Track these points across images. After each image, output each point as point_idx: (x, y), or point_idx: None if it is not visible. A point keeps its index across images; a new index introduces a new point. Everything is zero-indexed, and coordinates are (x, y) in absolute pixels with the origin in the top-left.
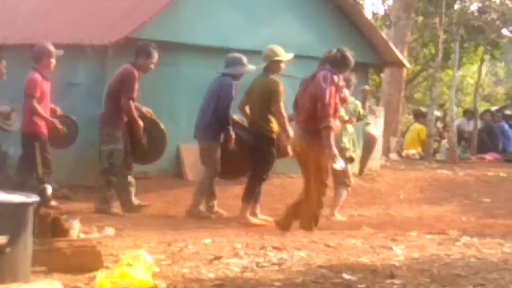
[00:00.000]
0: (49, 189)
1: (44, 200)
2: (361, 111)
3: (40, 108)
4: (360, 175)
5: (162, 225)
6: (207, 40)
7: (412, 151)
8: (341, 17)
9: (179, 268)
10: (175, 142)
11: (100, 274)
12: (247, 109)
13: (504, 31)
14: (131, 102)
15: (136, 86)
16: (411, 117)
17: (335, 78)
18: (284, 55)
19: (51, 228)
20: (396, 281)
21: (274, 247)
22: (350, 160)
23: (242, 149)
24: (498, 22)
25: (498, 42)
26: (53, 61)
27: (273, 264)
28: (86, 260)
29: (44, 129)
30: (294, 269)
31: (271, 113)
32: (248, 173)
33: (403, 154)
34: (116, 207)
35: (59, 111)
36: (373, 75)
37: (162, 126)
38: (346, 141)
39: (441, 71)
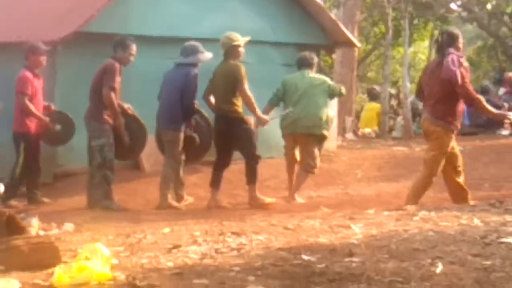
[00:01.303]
0: (0, 188)
1: None
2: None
3: (32, 106)
4: (294, 162)
5: (121, 217)
6: (157, 30)
7: (367, 130)
8: (289, 0)
9: (138, 259)
10: None
11: (58, 270)
12: (211, 98)
13: (453, 6)
14: (112, 94)
15: (117, 78)
16: (365, 96)
17: (462, 60)
18: (240, 39)
19: (7, 227)
20: (354, 259)
21: (233, 233)
22: (322, 138)
23: (199, 136)
24: None
25: (447, 17)
26: (42, 58)
27: (232, 249)
28: (44, 257)
29: (33, 130)
30: (253, 253)
31: (234, 97)
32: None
33: (359, 133)
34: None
35: (53, 107)
36: (325, 56)
37: (143, 123)
38: None
39: (392, 49)
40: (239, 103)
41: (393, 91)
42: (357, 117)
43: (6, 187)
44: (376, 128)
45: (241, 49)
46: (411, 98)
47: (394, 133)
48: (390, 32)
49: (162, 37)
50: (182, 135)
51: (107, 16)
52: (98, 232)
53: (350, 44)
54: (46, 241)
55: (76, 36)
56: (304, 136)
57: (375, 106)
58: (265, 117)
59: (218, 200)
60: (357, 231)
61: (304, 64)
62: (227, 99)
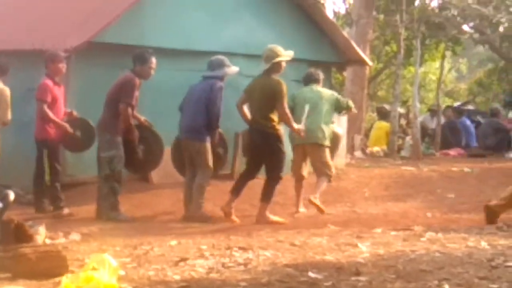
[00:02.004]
0: (11, 195)
1: (6, 206)
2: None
3: (50, 113)
4: (302, 174)
5: (128, 228)
6: (170, 42)
7: (376, 149)
8: (303, 16)
9: (145, 271)
10: None
11: (65, 279)
12: (245, 107)
13: (465, 27)
14: (128, 110)
15: (136, 93)
16: (374, 114)
17: None
18: (285, 54)
19: (15, 234)
20: (361, 278)
21: (240, 247)
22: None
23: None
24: (458, 18)
25: (459, 38)
26: (61, 66)
27: (239, 264)
28: (51, 265)
29: (54, 136)
30: (260, 269)
31: (272, 112)
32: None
33: (368, 151)
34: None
35: (75, 113)
36: (336, 73)
37: (160, 136)
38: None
39: (403, 68)
40: (276, 119)
41: (402, 110)
42: (366, 135)
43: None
44: (384, 147)
45: (284, 64)
46: (421, 118)
47: (403, 153)
48: (402, 51)
49: (176, 49)
50: (208, 145)
51: (121, 27)
52: (105, 243)
53: (362, 63)
54: (53, 250)
55: (90, 45)
56: (315, 146)
57: (384, 125)
58: (300, 126)
59: (231, 208)
60: (364, 250)
61: (311, 80)
62: (265, 114)
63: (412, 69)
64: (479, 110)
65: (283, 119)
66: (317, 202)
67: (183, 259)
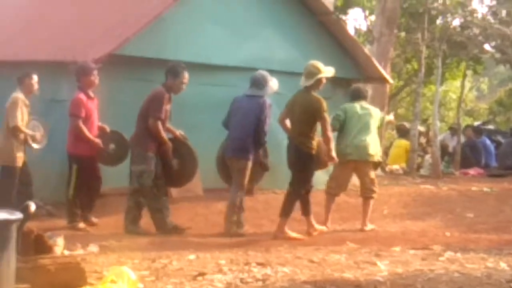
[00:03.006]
0: (32, 207)
1: (27, 218)
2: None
3: (85, 129)
4: (344, 190)
5: (147, 241)
6: (190, 56)
7: (396, 166)
8: (324, 33)
9: (163, 284)
10: None
11: None
12: (287, 122)
13: (486, 47)
14: (158, 123)
15: (166, 107)
16: (394, 132)
17: None
18: (327, 71)
19: (35, 245)
20: None
21: (258, 263)
22: (377, 164)
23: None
24: (480, 38)
25: (480, 58)
26: (93, 78)
27: (257, 280)
28: (70, 277)
29: (86, 152)
30: (278, 285)
31: (311, 130)
32: None
33: (387, 169)
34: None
35: (108, 129)
36: None
37: (195, 150)
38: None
39: (424, 87)
40: (313, 136)
41: (422, 128)
42: (386, 153)
43: (67, 209)
44: (404, 165)
45: (324, 80)
46: (441, 136)
47: (422, 171)
48: (423, 69)
49: (195, 63)
50: (250, 164)
51: (142, 40)
52: (124, 255)
53: (382, 80)
54: (72, 262)
55: (110, 58)
56: (367, 163)
57: (404, 143)
58: (336, 158)
59: (312, 225)
60: (382, 268)
61: (360, 96)
62: (303, 132)
63: (432, 87)
64: (500, 130)
65: (325, 140)
66: (370, 227)
67: (201, 274)
